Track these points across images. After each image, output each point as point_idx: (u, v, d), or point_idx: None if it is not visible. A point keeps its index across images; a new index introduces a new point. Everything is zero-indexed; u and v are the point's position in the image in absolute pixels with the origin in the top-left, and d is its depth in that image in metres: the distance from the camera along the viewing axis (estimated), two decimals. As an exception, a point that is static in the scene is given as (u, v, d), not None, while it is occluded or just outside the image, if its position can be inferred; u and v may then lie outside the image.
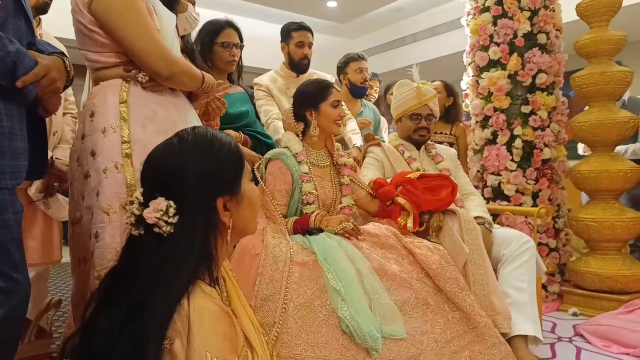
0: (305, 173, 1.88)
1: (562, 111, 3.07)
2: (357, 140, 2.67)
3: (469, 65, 3.21)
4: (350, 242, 1.69)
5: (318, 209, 1.87)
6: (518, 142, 2.91)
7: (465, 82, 3.23)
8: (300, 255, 1.60)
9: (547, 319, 2.56)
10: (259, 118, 2.61)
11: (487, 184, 2.99)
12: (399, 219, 1.90)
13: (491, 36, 3.01)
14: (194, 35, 2.15)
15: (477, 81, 3.10)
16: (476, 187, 2.95)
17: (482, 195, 2.92)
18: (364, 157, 2.42)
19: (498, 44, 2.99)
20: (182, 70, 1.47)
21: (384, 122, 3.41)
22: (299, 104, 1.95)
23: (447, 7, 6.13)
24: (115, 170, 1.35)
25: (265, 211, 1.84)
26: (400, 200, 1.94)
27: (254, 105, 2.65)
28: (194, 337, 0.79)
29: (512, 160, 2.92)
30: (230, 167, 0.98)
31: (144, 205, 0.90)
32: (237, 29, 2.33)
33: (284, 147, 1.94)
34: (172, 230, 0.88)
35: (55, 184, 2.04)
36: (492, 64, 3.02)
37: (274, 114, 2.61)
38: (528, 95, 2.95)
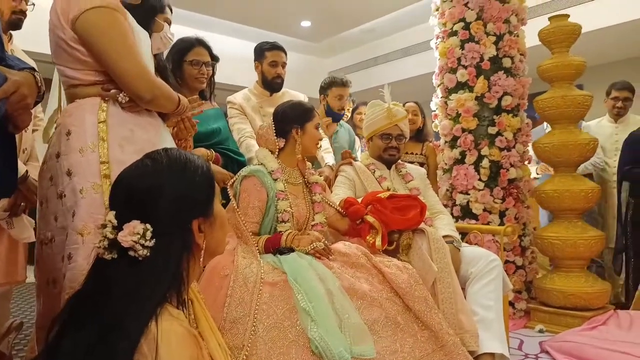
0: (281, 191, 1.88)
1: (527, 132, 3.17)
2: (329, 159, 2.70)
3: (438, 86, 3.30)
4: (321, 262, 1.70)
5: (292, 227, 1.88)
6: (485, 162, 2.99)
7: (435, 103, 3.32)
8: (271, 275, 1.60)
9: (515, 336, 2.61)
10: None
11: (456, 203, 3.05)
12: (367, 237, 1.92)
13: (459, 59, 3.11)
14: (165, 52, 2.16)
15: (446, 102, 3.19)
16: (445, 205, 3.00)
17: (452, 213, 2.98)
18: (336, 176, 2.44)
19: (465, 67, 3.09)
20: (163, 93, 1.47)
21: (357, 140, 3.46)
22: (285, 120, 1.96)
23: (418, 29, 6.30)
24: (92, 190, 1.33)
25: (236, 231, 1.83)
26: (370, 218, 1.96)
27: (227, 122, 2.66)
28: None
29: (480, 179, 3.00)
30: (204, 189, 0.98)
31: (118, 228, 0.88)
32: (207, 47, 2.33)
33: (259, 164, 1.94)
34: (148, 254, 0.87)
35: (21, 203, 1.98)
36: (460, 86, 3.12)
37: (247, 132, 2.62)
38: (494, 117, 3.05)
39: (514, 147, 3.06)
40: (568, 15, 2.94)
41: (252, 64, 2.80)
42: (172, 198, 0.91)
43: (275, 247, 1.77)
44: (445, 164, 3.17)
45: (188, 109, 1.66)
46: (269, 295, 1.53)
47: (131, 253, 0.87)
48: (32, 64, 1.52)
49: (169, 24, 1.96)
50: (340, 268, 1.71)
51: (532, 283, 3.04)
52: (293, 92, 2.83)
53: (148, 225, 0.87)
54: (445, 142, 3.20)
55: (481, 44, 3.06)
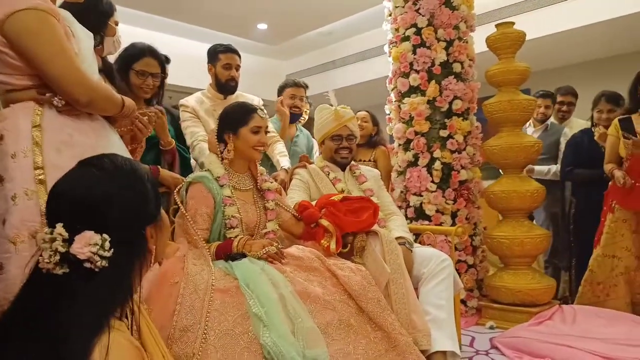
0: (228, 196, 1.87)
1: (477, 135, 3.28)
2: (284, 162, 2.69)
3: (391, 90, 3.36)
4: (273, 266, 1.69)
5: (241, 233, 1.86)
6: (437, 164, 3.07)
7: (388, 107, 3.37)
8: (222, 282, 1.58)
9: (467, 333, 2.68)
10: (180, 139, 2.57)
11: (410, 204, 3.11)
12: (322, 241, 1.93)
13: (411, 64, 3.17)
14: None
15: (399, 106, 3.25)
16: (400, 207, 3.06)
17: (406, 215, 3.04)
18: (291, 179, 2.44)
19: (418, 72, 3.15)
20: (101, 96, 1.43)
21: (316, 145, 3.47)
22: (221, 125, 1.95)
23: (374, 32, 6.38)
24: (25, 197, 1.28)
25: (186, 236, 1.80)
26: (324, 222, 1.97)
27: (178, 126, 2.61)
28: None
29: (432, 181, 3.07)
30: (152, 193, 0.97)
31: (68, 241, 0.84)
32: (158, 58, 2.27)
33: (206, 170, 1.92)
34: (105, 265, 0.84)
35: None
36: (413, 90, 3.18)
37: (200, 135, 2.58)
38: (446, 120, 3.13)
39: (464, 149, 3.15)
40: (513, 23, 3.06)
41: (206, 66, 2.76)
42: (126, 206, 0.90)
43: (227, 253, 1.75)
44: (399, 166, 3.22)
45: (135, 110, 1.62)
46: (221, 302, 1.51)
47: (87, 265, 0.83)
48: None
49: (116, 24, 1.92)
50: (293, 272, 1.71)
51: (483, 281, 3.13)
52: (247, 95, 2.80)
53: (105, 236, 0.85)
54: (399, 145, 3.25)
55: (432, 50, 3.13)
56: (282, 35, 6.77)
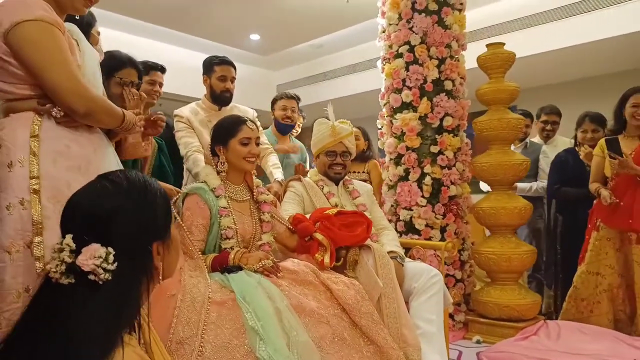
0: (224, 207, 1.89)
1: (466, 152, 3.34)
2: (278, 174, 2.72)
3: (384, 106, 3.41)
4: (269, 280, 1.71)
5: (237, 244, 1.88)
6: (428, 180, 3.12)
7: (380, 122, 3.43)
8: (219, 294, 1.59)
9: (454, 347, 2.72)
10: (172, 148, 2.59)
11: (400, 218, 3.15)
12: (316, 255, 1.96)
13: (404, 80, 3.24)
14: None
15: (391, 121, 3.30)
16: (390, 221, 3.10)
17: (396, 228, 3.08)
18: (284, 191, 2.46)
19: (410, 88, 3.22)
20: (100, 108, 1.43)
21: (310, 157, 3.51)
22: (212, 138, 1.98)
23: (366, 46, 6.48)
24: (20, 206, 1.28)
25: (182, 247, 1.81)
26: (318, 236, 2.00)
27: (172, 135, 2.62)
28: None
29: (423, 196, 3.12)
30: (163, 211, 0.99)
31: (76, 252, 0.86)
32: (137, 69, 2.29)
33: (202, 182, 1.94)
34: (109, 278, 0.85)
35: None
36: (405, 106, 3.24)
37: (194, 146, 2.60)
38: (436, 136, 3.19)
39: (454, 165, 3.21)
40: (504, 44, 3.15)
41: (199, 75, 2.78)
42: (133, 220, 0.91)
43: (223, 266, 1.77)
44: (390, 180, 3.27)
45: (135, 124, 1.63)
46: (217, 315, 1.52)
47: (91, 277, 0.85)
48: None
49: (98, 34, 1.95)
50: (288, 286, 1.73)
51: (470, 296, 3.18)
52: (242, 107, 2.83)
53: (110, 249, 0.86)
54: (391, 159, 3.30)
55: (425, 67, 3.20)
56: (274, 46, 6.83)
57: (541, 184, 3.59)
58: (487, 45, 3.17)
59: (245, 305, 1.54)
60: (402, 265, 2.20)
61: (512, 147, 3.74)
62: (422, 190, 3.13)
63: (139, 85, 2.27)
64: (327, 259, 1.95)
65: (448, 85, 3.23)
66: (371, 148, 3.38)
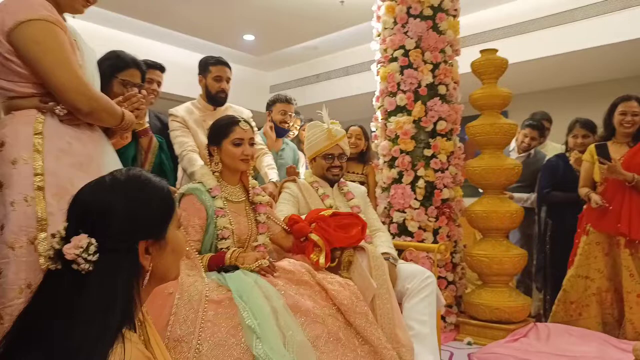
0: (220, 208, 1.90)
1: (459, 155, 3.38)
2: (273, 175, 2.73)
3: (378, 109, 3.44)
4: (266, 279, 1.72)
5: (233, 244, 1.89)
6: (421, 182, 3.15)
7: (375, 125, 3.46)
8: (216, 293, 1.60)
9: (445, 348, 2.74)
10: (170, 149, 2.59)
11: (393, 220, 3.18)
12: (311, 255, 1.97)
13: (398, 84, 3.27)
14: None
15: (385, 124, 3.33)
16: (383, 222, 3.12)
17: (389, 230, 3.10)
18: (280, 192, 2.48)
19: (404, 92, 3.25)
20: (102, 106, 1.45)
21: (302, 157, 3.52)
22: (208, 139, 2.00)
23: (359, 49, 6.52)
24: (24, 203, 1.29)
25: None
26: (314, 236, 2.01)
27: (167, 134, 2.62)
28: None
29: (416, 198, 3.15)
30: (158, 211, 0.97)
31: (66, 240, 0.88)
32: (141, 71, 2.29)
33: (198, 182, 1.95)
34: (90, 269, 0.86)
35: None
36: (399, 109, 3.27)
37: (189, 145, 2.60)
38: (430, 140, 3.23)
39: (447, 169, 3.25)
40: (497, 50, 3.19)
41: (194, 75, 2.79)
42: (122, 215, 0.91)
43: (219, 265, 1.78)
44: (384, 182, 3.30)
45: (133, 124, 1.64)
46: (214, 313, 1.53)
47: (74, 266, 0.86)
48: None
49: None
50: (284, 285, 1.74)
51: (462, 298, 3.21)
52: (237, 107, 2.84)
53: (93, 240, 0.87)
54: (385, 162, 3.33)
55: (419, 71, 3.23)
56: (268, 47, 6.84)
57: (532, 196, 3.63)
58: (481, 52, 3.21)
59: (242, 304, 1.56)
60: (396, 266, 2.22)
61: (516, 155, 3.78)
62: (415, 193, 3.16)
63: (142, 87, 2.28)
64: (322, 260, 1.96)
65: (442, 89, 3.27)
66: (370, 148, 3.40)
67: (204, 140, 2.06)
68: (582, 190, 2.92)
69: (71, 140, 1.42)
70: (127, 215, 0.91)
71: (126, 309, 0.90)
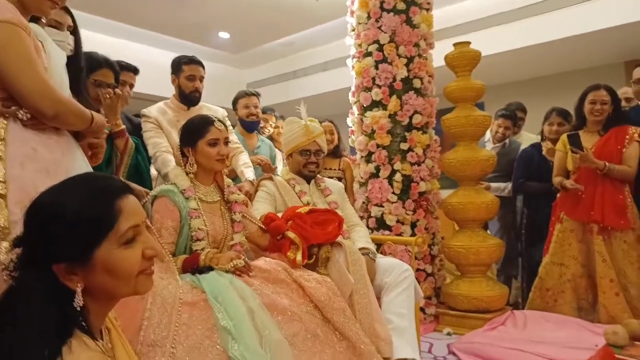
0: (194, 209, 1.88)
1: (435, 148, 3.41)
2: (249, 173, 2.71)
3: (354, 104, 3.45)
4: (241, 279, 1.71)
5: (208, 245, 1.87)
6: (398, 176, 3.17)
7: (351, 120, 3.46)
8: (190, 295, 1.58)
9: (425, 339, 2.77)
10: (145, 150, 2.55)
11: (371, 215, 3.19)
12: (288, 253, 1.96)
13: (373, 79, 3.28)
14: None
15: (361, 119, 3.34)
16: (361, 217, 3.13)
17: (367, 225, 3.12)
18: (256, 190, 2.46)
19: (380, 86, 3.26)
20: (68, 110, 1.41)
21: (278, 154, 3.51)
22: (181, 140, 1.97)
23: (335, 45, 6.51)
24: None
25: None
26: (290, 234, 2.00)
27: (140, 135, 2.59)
28: None
29: (393, 192, 3.16)
30: (79, 231, 0.84)
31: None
32: (114, 71, 2.26)
33: (171, 184, 1.92)
34: (13, 276, 0.83)
35: None
36: (375, 104, 3.28)
37: (162, 146, 2.57)
38: (406, 134, 3.24)
39: (423, 162, 3.27)
40: (469, 42, 3.22)
41: (168, 74, 2.75)
42: (40, 233, 0.83)
43: (194, 267, 1.76)
44: (362, 177, 3.30)
45: (104, 126, 1.61)
46: (188, 316, 1.51)
47: (6, 272, 0.83)
48: None
49: (55, 26, 1.90)
50: (260, 284, 1.73)
51: (441, 289, 3.25)
52: (211, 106, 2.81)
53: (5, 244, 0.86)
54: (362, 157, 3.34)
55: (393, 65, 3.24)
56: (243, 44, 6.79)
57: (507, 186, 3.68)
58: (454, 45, 3.23)
59: (217, 305, 1.54)
60: (374, 261, 2.23)
61: (491, 146, 3.83)
62: (392, 187, 3.18)
63: (116, 87, 2.24)
64: (299, 257, 1.96)
65: (417, 83, 3.28)
66: (341, 143, 3.41)
67: (177, 140, 2.03)
68: (556, 179, 2.97)
69: (36, 145, 1.38)
70: (43, 233, 0.83)
71: (63, 325, 0.83)
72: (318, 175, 2.54)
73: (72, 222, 0.83)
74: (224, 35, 6.41)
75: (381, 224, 3.18)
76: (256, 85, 7.38)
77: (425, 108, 3.29)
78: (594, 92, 2.88)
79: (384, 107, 3.25)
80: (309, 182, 2.49)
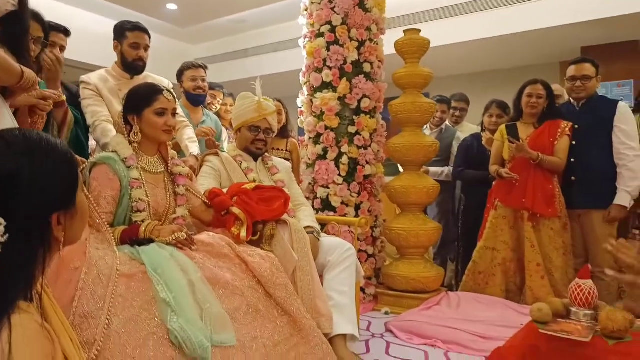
0: (136, 179, 1.82)
1: (382, 133, 3.47)
2: (194, 148, 2.64)
3: (304, 84, 3.43)
4: (183, 253, 1.68)
5: (149, 217, 1.82)
6: (345, 159, 3.21)
7: (301, 101, 3.45)
8: (128, 267, 1.54)
9: (364, 318, 2.85)
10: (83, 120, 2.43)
11: (317, 196, 3.22)
12: (233, 229, 1.95)
13: (325, 60, 3.27)
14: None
15: (311, 100, 3.33)
16: (308, 198, 3.15)
17: (313, 206, 3.14)
18: (201, 166, 2.41)
19: (330, 68, 3.26)
20: None
21: (224, 132, 3.44)
22: (126, 107, 1.89)
23: (289, 25, 6.43)
24: None
25: (88, 220, 1.72)
26: (235, 210, 1.98)
27: (78, 104, 2.45)
28: (14, 359, 0.73)
29: (339, 174, 3.20)
30: (68, 178, 0.90)
31: None
32: (43, 26, 2.10)
33: (112, 152, 1.84)
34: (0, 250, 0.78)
35: None
36: (325, 85, 3.29)
37: (102, 115, 2.45)
38: (354, 117, 3.27)
39: (370, 146, 3.32)
40: (420, 30, 3.28)
41: (111, 43, 2.61)
42: (31, 188, 0.82)
43: (133, 239, 1.70)
44: (309, 159, 3.31)
45: (35, 83, 1.51)
46: (126, 288, 1.47)
47: None
48: None
49: None
50: (202, 258, 1.71)
51: (381, 270, 3.34)
52: (157, 77, 2.70)
53: (1, 220, 0.78)
54: (310, 138, 3.34)
55: (345, 48, 3.25)
56: (192, 18, 6.56)
57: (452, 169, 3.83)
58: (405, 31, 3.28)
59: (157, 278, 1.51)
60: (319, 240, 2.25)
61: (429, 132, 3.96)
62: (339, 169, 3.21)
63: (46, 44, 2.09)
64: (243, 233, 1.94)
65: (367, 67, 3.31)
66: (289, 124, 3.40)
67: (119, 110, 1.94)
68: (492, 168, 3.12)
69: None
70: (36, 187, 0.83)
71: (28, 282, 0.83)
72: (266, 154, 2.52)
73: (66, 168, 0.90)
74: (172, 6, 6.16)
75: (326, 205, 3.21)
76: (205, 61, 7.14)
77: (374, 93, 3.33)
78: (531, 86, 3.03)
79: (334, 90, 3.26)
80: (256, 160, 2.46)
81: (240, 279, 1.73)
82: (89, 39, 5.17)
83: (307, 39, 3.42)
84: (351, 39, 3.27)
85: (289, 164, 2.67)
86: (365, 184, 3.27)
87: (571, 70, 3.01)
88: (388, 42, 3.45)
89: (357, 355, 2.06)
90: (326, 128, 3.25)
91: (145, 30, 2.60)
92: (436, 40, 3.78)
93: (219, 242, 1.80)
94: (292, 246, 2.02)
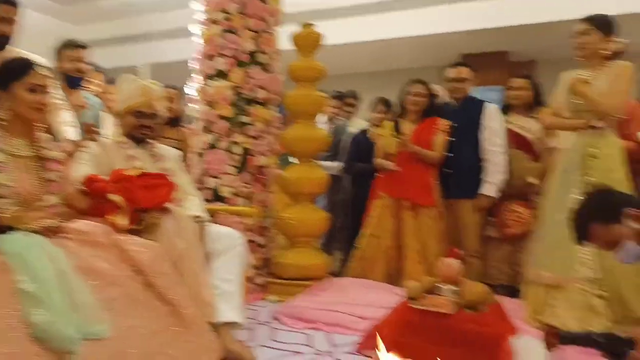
0: (0, 162, 1.66)
1: (277, 125, 3.50)
2: (70, 132, 2.46)
3: (198, 72, 3.34)
4: (53, 241, 1.57)
5: (14, 204, 1.66)
6: (237, 149, 3.19)
7: (195, 89, 3.35)
8: (-16, 257, 1.40)
9: (252, 307, 2.85)
10: None
11: (208, 186, 3.16)
12: (111, 217, 1.85)
13: (219, 47, 3.21)
14: None
15: (204, 88, 3.26)
16: (198, 188, 3.07)
17: (203, 196, 3.07)
18: (77, 151, 2.25)
19: (225, 57, 3.21)
20: None
21: (106, 117, 3.23)
22: None
23: (184, 12, 6.17)
24: None
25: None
26: (114, 197, 1.89)
27: None
28: None
29: (231, 164, 3.17)
30: None
31: None
32: None
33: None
34: None
35: None
36: (219, 74, 3.23)
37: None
38: (248, 107, 3.26)
39: (263, 136, 3.33)
40: (314, 25, 3.35)
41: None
42: None
43: (-7, 226, 1.55)
44: (201, 148, 3.24)
45: None
46: (-19, 280, 1.34)
47: None
48: None
49: None
50: (76, 247, 1.63)
51: (270, 260, 3.38)
52: (29, 54, 2.46)
53: None
54: (202, 127, 3.27)
55: (241, 37, 3.22)
56: (76, -5, 6.06)
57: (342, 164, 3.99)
58: (302, 24, 3.34)
59: (18, 267, 1.39)
60: (205, 228, 2.22)
61: (323, 126, 4.06)
62: (230, 159, 3.18)
63: None
64: (123, 221, 1.86)
65: (262, 58, 3.31)
66: (182, 113, 3.30)
67: None
68: (377, 161, 3.31)
69: None
70: None
71: None
72: (152, 141, 2.42)
73: None
74: (52, -20, 5.64)
75: (217, 196, 3.16)
76: (90, 44, 6.64)
77: (269, 84, 3.34)
78: (413, 85, 3.28)
79: (228, 79, 3.22)
80: (141, 147, 2.35)
81: (119, 268, 1.67)
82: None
83: (202, 26, 3.33)
84: (247, 29, 3.24)
85: (178, 152, 2.59)
86: (257, 175, 3.27)
87: (450, 73, 3.30)
88: (285, 37, 3.47)
89: (241, 342, 2.07)
90: (219, 117, 3.20)
91: (10, 2, 2.35)
92: (330, 39, 3.91)
93: (94, 230, 1.71)
94: (178, 234, 1.98)
